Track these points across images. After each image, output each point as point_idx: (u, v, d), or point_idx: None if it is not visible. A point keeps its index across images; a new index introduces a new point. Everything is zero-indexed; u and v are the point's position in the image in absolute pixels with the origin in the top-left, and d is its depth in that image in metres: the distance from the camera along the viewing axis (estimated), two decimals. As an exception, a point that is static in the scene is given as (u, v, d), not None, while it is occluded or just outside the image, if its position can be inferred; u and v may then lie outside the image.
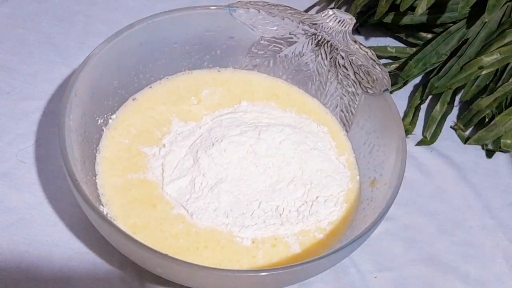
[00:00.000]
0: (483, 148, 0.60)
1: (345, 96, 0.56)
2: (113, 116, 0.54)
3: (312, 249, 0.48)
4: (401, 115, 0.60)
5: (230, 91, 0.57)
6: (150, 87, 0.56)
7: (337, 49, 0.55)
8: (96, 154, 0.51)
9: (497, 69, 0.60)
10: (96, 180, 0.50)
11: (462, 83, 0.60)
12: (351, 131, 0.56)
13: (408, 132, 0.60)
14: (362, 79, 0.53)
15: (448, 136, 0.61)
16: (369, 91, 0.53)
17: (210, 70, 0.58)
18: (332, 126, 0.56)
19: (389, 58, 0.65)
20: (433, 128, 0.60)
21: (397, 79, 0.62)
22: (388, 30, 0.68)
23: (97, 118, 0.52)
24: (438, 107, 0.60)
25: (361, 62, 0.53)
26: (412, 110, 0.61)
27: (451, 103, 0.61)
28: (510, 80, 0.58)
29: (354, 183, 0.52)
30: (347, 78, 0.55)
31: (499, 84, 0.58)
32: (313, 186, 0.50)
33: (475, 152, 0.60)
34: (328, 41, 0.55)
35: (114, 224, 0.43)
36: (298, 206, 0.50)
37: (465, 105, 0.62)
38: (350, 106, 0.55)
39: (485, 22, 0.60)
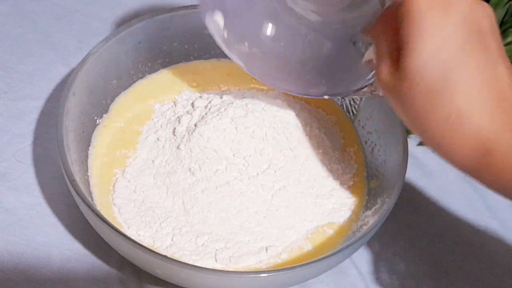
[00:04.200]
0: (485, 148, 0.60)
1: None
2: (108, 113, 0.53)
3: (323, 245, 0.48)
4: (403, 114, 0.60)
5: (233, 78, 0.57)
6: (146, 78, 0.56)
7: (338, 48, 0.54)
8: (90, 148, 0.51)
9: (500, 68, 0.59)
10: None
11: (464, 82, 0.59)
12: (352, 130, 0.55)
13: (410, 132, 0.59)
14: (364, 78, 0.53)
15: (450, 136, 0.60)
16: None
17: (206, 59, 0.58)
18: (340, 116, 0.56)
19: (391, 57, 0.64)
20: (435, 128, 0.59)
21: (398, 78, 0.61)
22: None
23: (96, 117, 0.52)
24: (439, 106, 0.60)
25: (363, 61, 0.53)
26: (414, 110, 0.60)
27: (453, 102, 0.60)
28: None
29: (361, 177, 0.52)
30: (348, 77, 0.55)
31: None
32: (319, 178, 0.50)
33: (477, 152, 0.60)
34: (329, 40, 0.55)
35: (112, 224, 0.42)
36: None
37: (467, 105, 0.62)
38: (351, 105, 0.55)
39: (487, 21, 0.59)
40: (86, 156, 0.50)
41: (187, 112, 0.52)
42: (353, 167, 0.52)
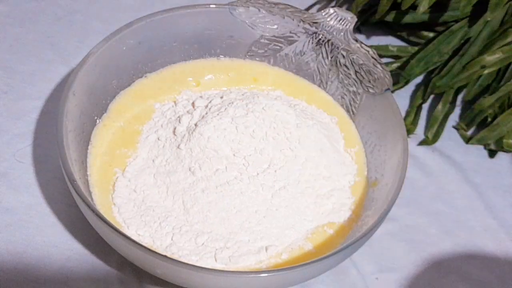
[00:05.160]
0: (485, 148, 0.60)
1: (346, 95, 0.55)
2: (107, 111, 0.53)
3: (324, 245, 0.48)
4: (403, 114, 0.60)
5: (233, 78, 0.57)
6: (146, 77, 0.56)
7: (338, 48, 0.54)
8: (89, 147, 0.51)
9: (499, 68, 0.59)
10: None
11: (464, 82, 0.60)
12: (352, 130, 0.55)
13: (410, 131, 0.59)
14: (364, 78, 0.53)
15: (450, 136, 0.60)
16: (370, 90, 0.53)
17: (206, 59, 0.58)
18: (341, 117, 0.56)
19: (391, 57, 0.65)
20: (435, 128, 0.60)
21: (398, 78, 0.62)
22: (390, 28, 0.67)
23: (95, 117, 0.52)
24: (440, 106, 0.60)
25: (362, 61, 0.53)
26: (414, 110, 0.60)
27: (453, 102, 0.60)
28: (513, 79, 0.57)
29: (362, 177, 0.52)
30: (348, 78, 0.55)
31: (501, 84, 0.58)
32: (319, 178, 0.50)
33: (477, 152, 0.60)
34: (329, 40, 0.55)
35: (112, 224, 0.42)
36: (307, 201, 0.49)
37: (468, 105, 0.62)
38: (351, 105, 0.55)
39: (487, 21, 0.59)
40: (86, 156, 0.50)
41: (188, 111, 0.52)
42: (354, 167, 0.52)
